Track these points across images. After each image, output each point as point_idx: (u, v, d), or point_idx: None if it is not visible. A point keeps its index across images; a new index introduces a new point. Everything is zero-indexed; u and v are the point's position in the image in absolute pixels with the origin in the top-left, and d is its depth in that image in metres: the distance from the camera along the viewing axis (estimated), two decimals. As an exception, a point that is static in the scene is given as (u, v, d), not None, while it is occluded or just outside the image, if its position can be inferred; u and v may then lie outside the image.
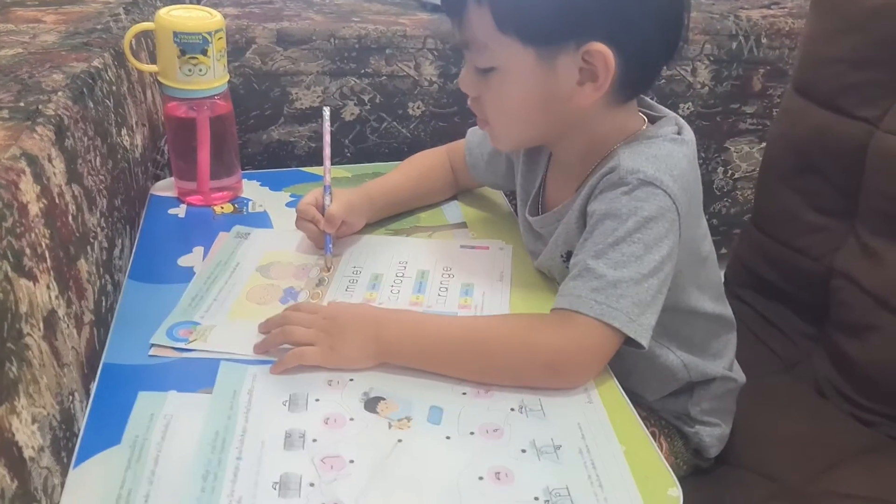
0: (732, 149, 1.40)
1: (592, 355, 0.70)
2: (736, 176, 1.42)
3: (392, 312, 0.76)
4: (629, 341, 0.69)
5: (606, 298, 0.68)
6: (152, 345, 0.73)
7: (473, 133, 0.98)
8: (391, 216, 0.98)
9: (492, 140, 0.84)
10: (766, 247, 1.14)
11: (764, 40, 1.32)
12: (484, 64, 0.74)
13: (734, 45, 1.31)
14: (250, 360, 0.72)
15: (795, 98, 1.09)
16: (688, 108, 1.33)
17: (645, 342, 0.69)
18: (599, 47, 0.69)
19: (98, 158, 0.80)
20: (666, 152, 0.73)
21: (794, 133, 1.09)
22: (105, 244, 0.79)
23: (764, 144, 1.35)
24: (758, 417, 0.96)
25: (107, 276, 0.79)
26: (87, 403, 0.66)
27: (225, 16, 1.20)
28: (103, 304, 0.77)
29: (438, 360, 0.70)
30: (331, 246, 0.88)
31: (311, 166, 1.14)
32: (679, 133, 0.78)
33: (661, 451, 0.84)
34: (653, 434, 0.85)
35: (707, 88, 1.33)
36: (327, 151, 0.91)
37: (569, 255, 0.80)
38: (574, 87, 0.72)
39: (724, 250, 1.43)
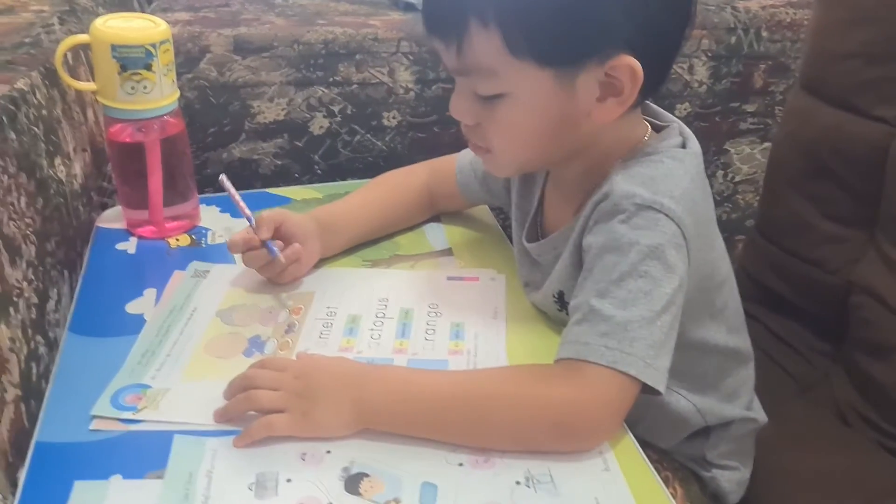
0: (733, 150, 1.33)
1: (608, 410, 0.61)
2: (737, 179, 1.36)
3: (374, 369, 0.66)
4: (643, 388, 0.61)
5: (618, 343, 0.60)
6: (94, 417, 0.63)
7: (466, 153, 0.90)
8: (363, 244, 0.89)
9: (491, 168, 0.76)
10: (774, 257, 1.07)
11: (764, 33, 1.25)
12: (490, 91, 0.65)
13: (733, 39, 1.24)
14: (210, 432, 0.62)
15: (803, 96, 1.03)
16: (685, 109, 1.26)
17: (662, 388, 0.61)
18: (627, 60, 0.62)
19: (24, 198, 0.69)
20: (664, 172, 0.66)
21: (802, 134, 1.03)
22: (34, 299, 0.69)
23: (766, 145, 1.31)
24: (778, 452, 0.89)
25: (38, 337, 0.68)
26: (14, 500, 0.56)
27: (176, 22, 1.11)
28: (34, 371, 0.66)
29: (430, 423, 0.62)
30: (276, 249, 0.78)
31: (278, 186, 1.05)
32: (683, 146, 0.70)
33: (676, 498, 0.77)
34: (666, 479, 0.79)
35: (705, 87, 1.26)
36: (242, 204, 0.82)
37: (560, 295, 0.73)
38: (593, 104, 0.65)
39: (725, 258, 1.36)
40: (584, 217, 0.68)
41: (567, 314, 0.67)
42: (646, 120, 0.72)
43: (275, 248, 0.78)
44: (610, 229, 0.64)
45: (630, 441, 0.63)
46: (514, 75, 0.63)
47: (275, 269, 0.80)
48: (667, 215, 0.63)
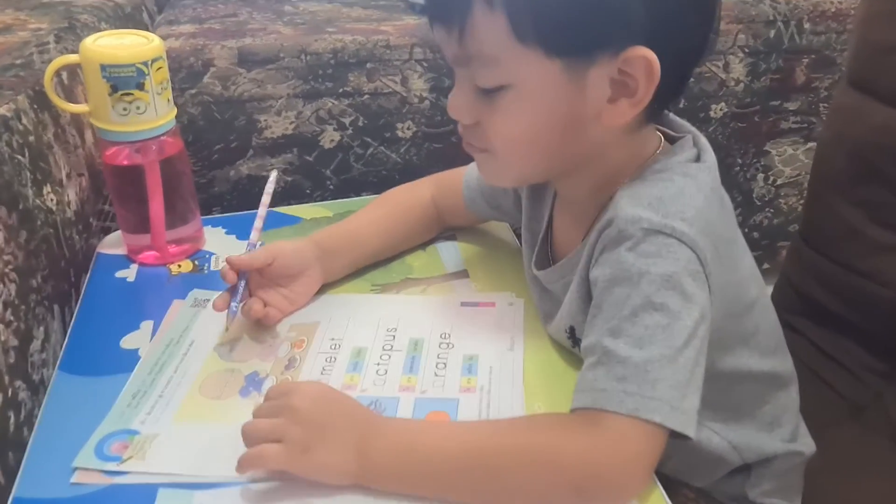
0: (774, 152, 1.24)
1: (633, 466, 0.54)
2: (778, 182, 1.28)
3: (382, 420, 0.60)
4: (672, 432, 0.55)
5: (638, 387, 0.54)
6: (76, 468, 0.59)
7: (474, 167, 0.84)
8: (372, 266, 0.83)
9: (487, 173, 0.68)
10: (820, 267, 1.00)
11: (807, 25, 1.16)
12: (492, 82, 0.59)
13: (772, 32, 1.16)
14: (197, 484, 0.58)
15: (850, 93, 0.95)
16: (721, 110, 1.18)
17: (692, 432, 0.54)
18: (643, 52, 0.55)
19: (1, 234, 0.65)
20: (674, 192, 0.59)
21: (850, 134, 0.95)
22: (14, 342, 0.65)
23: (810, 145, 1.23)
24: (827, 482, 0.81)
25: (18, 383, 0.64)
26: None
27: (179, 35, 1.06)
28: (12, 420, 0.62)
29: (436, 484, 0.56)
30: (235, 305, 0.73)
31: (289, 203, 0.99)
32: (697, 158, 0.63)
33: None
34: (705, 519, 0.72)
35: (742, 85, 1.18)
36: (263, 212, 0.79)
37: (572, 330, 0.67)
38: (603, 105, 0.58)
39: (766, 265, 1.28)
40: (589, 245, 0.61)
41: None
42: (659, 131, 0.66)
43: (234, 307, 0.73)
44: (617, 259, 0.57)
45: (660, 495, 0.56)
46: (519, 64, 0.57)
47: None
48: (679, 240, 0.56)
